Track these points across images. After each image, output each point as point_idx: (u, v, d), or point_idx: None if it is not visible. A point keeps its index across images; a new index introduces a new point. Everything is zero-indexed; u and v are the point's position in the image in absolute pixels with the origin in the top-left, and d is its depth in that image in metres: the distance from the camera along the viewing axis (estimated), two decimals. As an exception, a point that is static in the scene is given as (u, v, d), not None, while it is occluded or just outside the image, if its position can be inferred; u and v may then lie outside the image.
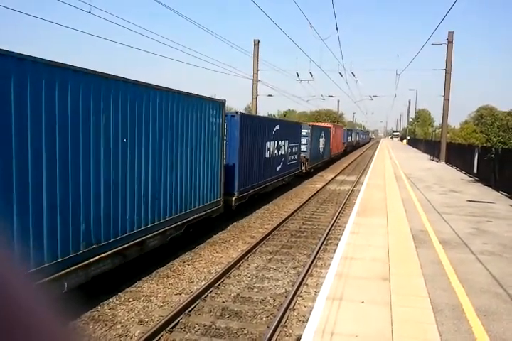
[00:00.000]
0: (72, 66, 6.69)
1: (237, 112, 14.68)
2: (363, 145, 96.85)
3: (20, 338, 0.57)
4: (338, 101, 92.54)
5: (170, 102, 9.69)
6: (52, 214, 6.27)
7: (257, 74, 32.51)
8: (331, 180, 28.45)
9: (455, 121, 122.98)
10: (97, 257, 7.18)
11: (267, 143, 18.32)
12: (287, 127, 22.14)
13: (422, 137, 70.01)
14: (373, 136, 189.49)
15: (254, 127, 16.34)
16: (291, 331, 6.83)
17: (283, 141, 20.95)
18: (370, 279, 6.74)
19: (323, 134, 34.37)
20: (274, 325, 6.74)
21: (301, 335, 5.25)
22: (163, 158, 9.49)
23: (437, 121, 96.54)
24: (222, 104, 12.91)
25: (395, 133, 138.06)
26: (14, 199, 5.62)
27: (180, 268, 9.82)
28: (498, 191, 17.77)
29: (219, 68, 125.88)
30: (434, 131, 52.70)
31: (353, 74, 43.84)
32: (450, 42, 31.60)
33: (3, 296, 0.57)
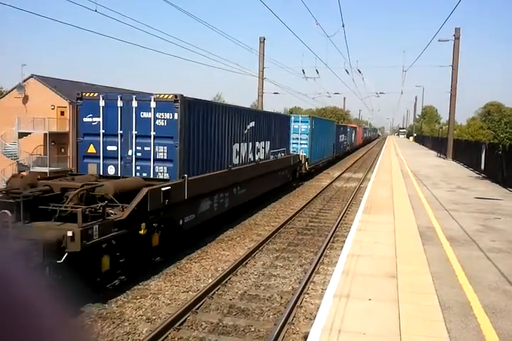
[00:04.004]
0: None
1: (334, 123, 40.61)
2: (373, 140, 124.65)
3: (31, 336, 0.57)
4: (344, 99, 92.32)
5: (326, 124, 34.84)
6: (320, 151, 31.49)
7: (262, 71, 32.45)
8: (338, 177, 28.41)
9: (462, 118, 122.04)
10: (323, 160, 32.46)
11: (340, 135, 42.47)
12: (344, 127, 48.65)
13: (429, 134, 69.56)
14: (380, 133, 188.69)
15: (338, 129, 41.44)
16: (298, 328, 6.84)
17: (343, 135, 45.86)
18: (378, 276, 6.72)
19: (353, 131, 58.89)
20: (281, 322, 6.75)
21: (308, 333, 5.25)
22: (320, 140, 29.99)
23: (444, 117, 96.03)
24: (334, 121, 43.73)
25: (401, 130, 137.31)
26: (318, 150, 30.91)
27: (187, 266, 9.85)
28: (505, 188, 17.65)
29: (225, 66, 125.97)
30: (441, 127, 52.38)
31: (359, 71, 43.66)
32: (457, 38, 31.37)
33: (10, 295, 0.57)
